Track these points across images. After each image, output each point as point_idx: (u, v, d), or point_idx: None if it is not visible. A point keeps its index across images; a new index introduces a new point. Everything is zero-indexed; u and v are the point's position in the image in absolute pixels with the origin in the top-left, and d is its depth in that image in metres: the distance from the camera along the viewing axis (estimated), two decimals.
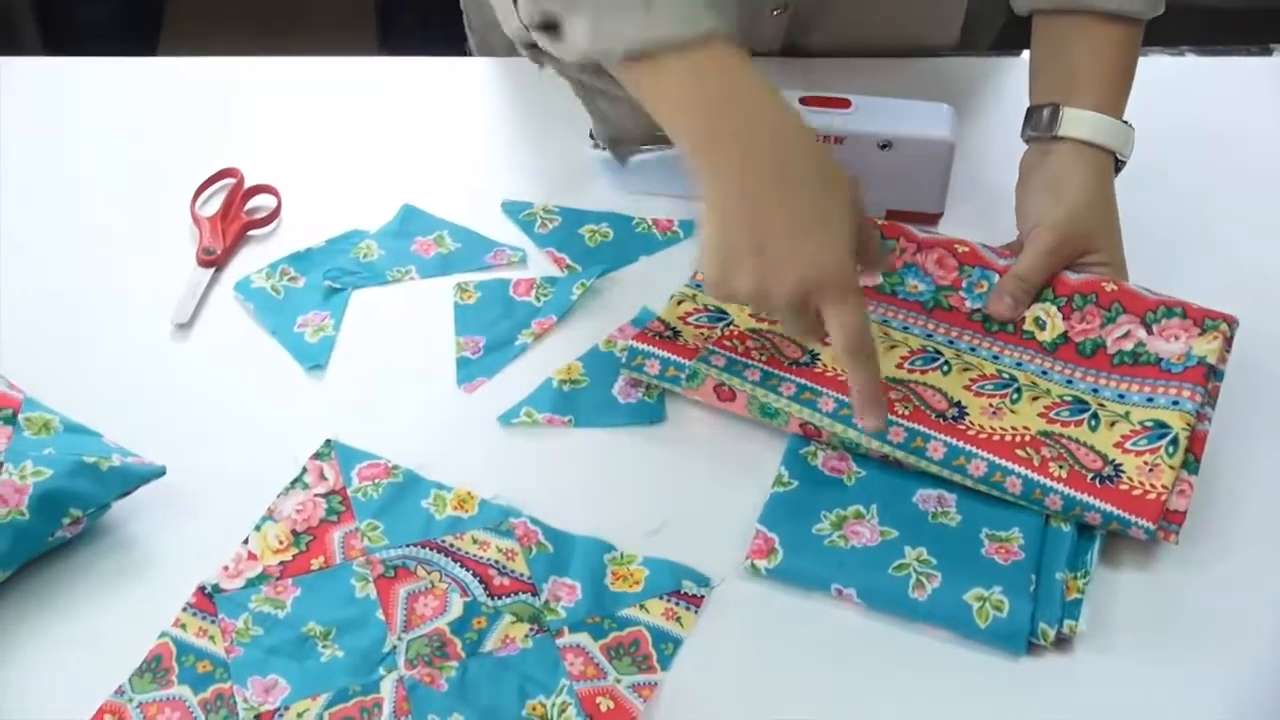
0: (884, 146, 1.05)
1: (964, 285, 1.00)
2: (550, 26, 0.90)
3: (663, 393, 0.98)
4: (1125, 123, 1.01)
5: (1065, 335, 0.97)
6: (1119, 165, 1.02)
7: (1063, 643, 0.83)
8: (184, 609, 0.85)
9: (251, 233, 1.11)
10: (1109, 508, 0.85)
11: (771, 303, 0.87)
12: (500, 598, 0.85)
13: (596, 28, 0.87)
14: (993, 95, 1.23)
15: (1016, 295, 0.98)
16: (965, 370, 0.95)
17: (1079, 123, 1.00)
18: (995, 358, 0.96)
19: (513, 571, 0.87)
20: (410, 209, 1.12)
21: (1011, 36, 1.23)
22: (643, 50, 0.86)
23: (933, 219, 1.09)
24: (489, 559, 0.87)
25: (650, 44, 0.86)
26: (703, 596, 0.86)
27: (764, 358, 0.95)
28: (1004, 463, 0.88)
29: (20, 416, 0.90)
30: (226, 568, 0.87)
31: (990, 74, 1.28)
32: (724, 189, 0.87)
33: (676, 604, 0.85)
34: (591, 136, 1.11)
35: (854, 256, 0.87)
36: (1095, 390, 0.93)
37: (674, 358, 0.96)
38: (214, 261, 1.07)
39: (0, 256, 1.09)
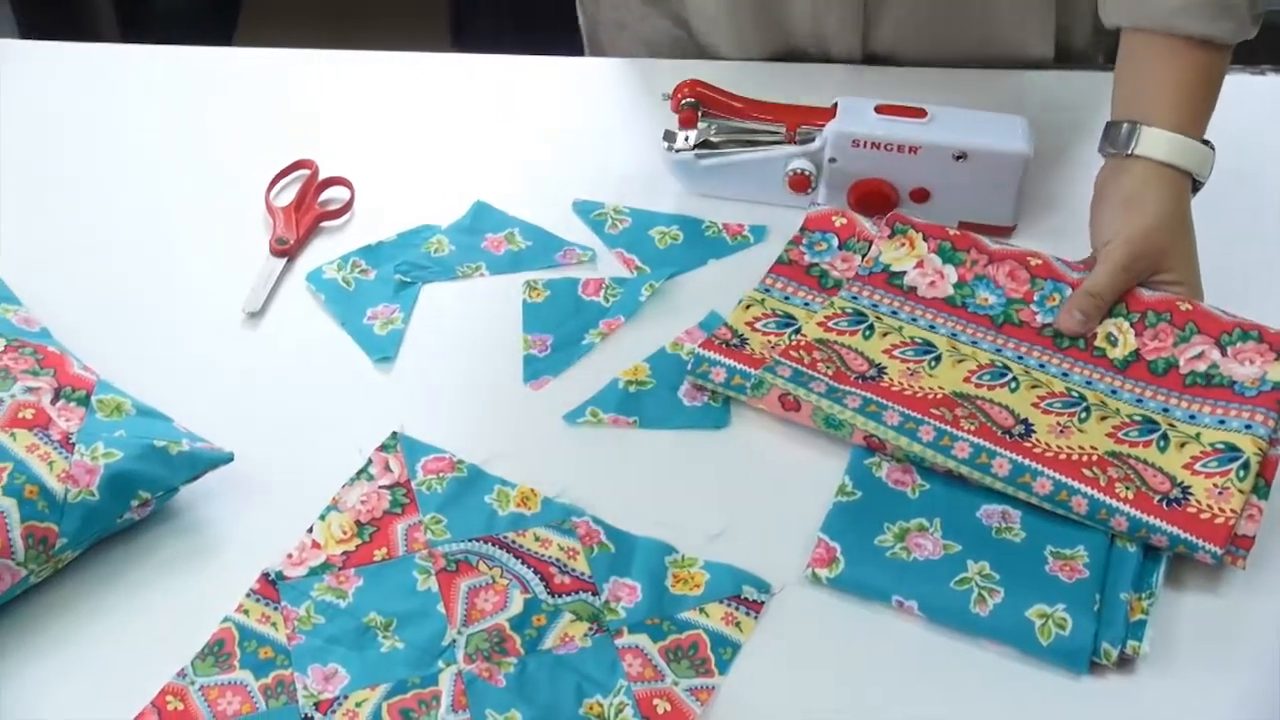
0: (959, 157, 1.05)
1: (1035, 298, 1.00)
2: None
3: (728, 398, 0.98)
4: (1206, 143, 1.00)
5: (1137, 353, 0.96)
6: (1196, 186, 1.01)
7: (1125, 663, 0.82)
8: (248, 595, 0.86)
9: (324, 224, 1.12)
10: (1176, 530, 0.85)
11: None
12: (561, 596, 0.86)
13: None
14: (1069, 109, 1.22)
15: (1087, 311, 0.97)
16: (1034, 387, 0.94)
17: (1156, 143, 0.99)
18: (1064, 375, 0.96)
19: (574, 570, 0.87)
20: (482, 205, 1.13)
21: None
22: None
23: (1005, 231, 1.09)
24: (550, 557, 0.88)
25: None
26: (763, 602, 0.86)
27: (830, 371, 0.95)
28: (1070, 482, 0.87)
29: (93, 398, 0.91)
30: (290, 556, 0.88)
31: (1068, 87, 1.27)
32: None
33: (736, 609, 0.85)
34: (665, 139, 1.11)
35: None
36: (1166, 410, 0.93)
37: (740, 367, 0.96)
38: (287, 251, 1.08)
39: (78, 241, 1.10)
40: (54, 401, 0.90)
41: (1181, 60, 1.01)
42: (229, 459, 0.91)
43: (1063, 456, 0.89)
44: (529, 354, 1.01)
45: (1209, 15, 0.99)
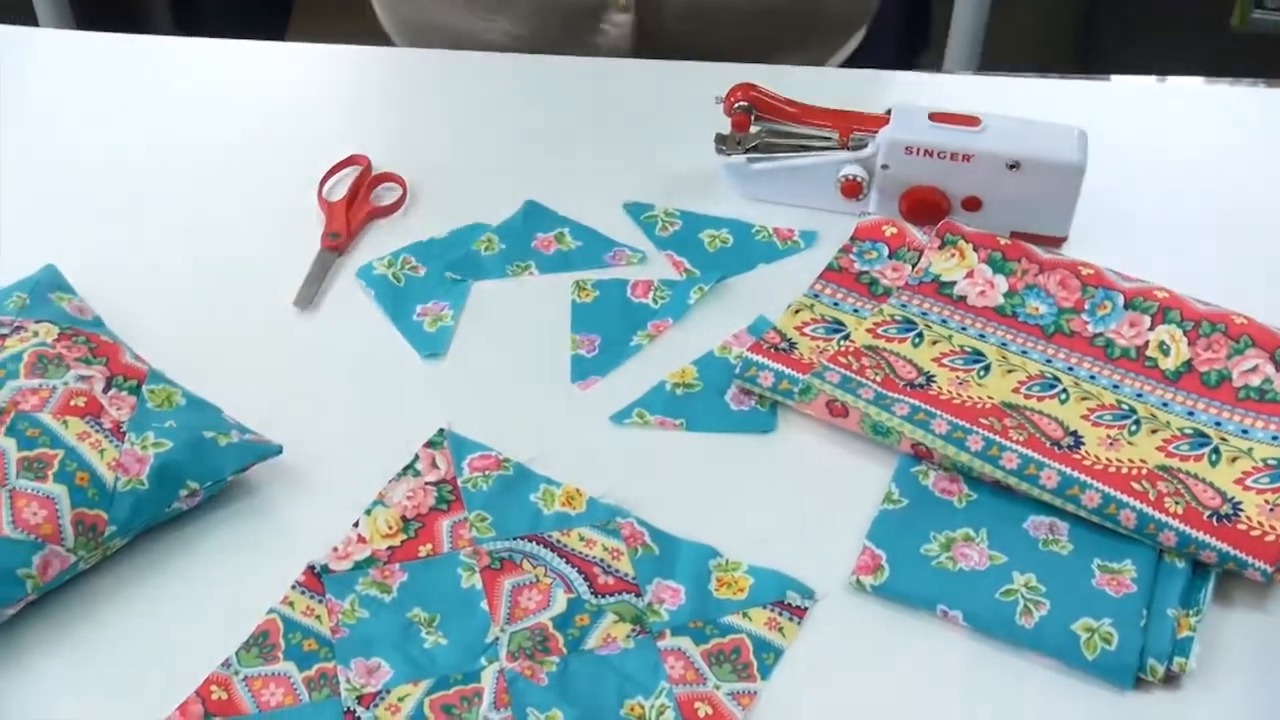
0: (1012, 167, 1.04)
1: (1087, 307, 0.99)
2: None
3: (775, 403, 0.97)
4: None
5: (1189, 363, 0.95)
6: None
7: (1171, 680, 0.81)
8: (293, 587, 0.86)
9: (376, 220, 1.12)
10: (1226, 547, 0.84)
11: None
12: (604, 596, 0.86)
13: None
14: (1123, 119, 1.21)
15: None
16: (1084, 399, 0.94)
17: None
18: (1115, 387, 0.95)
19: (617, 571, 0.87)
20: (533, 205, 1.13)
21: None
22: None
23: (1057, 242, 1.08)
24: (594, 557, 0.88)
25: None
26: (806, 608, 0.86)
27: (878, 377, 0.95)
28: (1119, 495, 0.87)
29: (144, 388, 0.92)
30: (336, 549, 0.88)
31: (1121, 98, 1.26)
32: None
33: (779, 614, 0.85)
34: (718, 142, 1.11)
35: None
36: (1218, 424, 0.92)
37: (788, 371, 0.96)
38: (338, 246, 1.09)
39: (130, 232, 1.11)
40: (106, 390, 0.90)
41: None
42: (277, 451, 0.91)
43: (1112, 469, 0.88)
44: (577, 354, 1.01)
45: None
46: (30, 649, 0.83)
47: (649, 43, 1.37)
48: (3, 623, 0.83)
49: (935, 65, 2.25)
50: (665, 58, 1.29)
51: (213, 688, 0.81)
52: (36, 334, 0.93)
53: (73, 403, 0.88)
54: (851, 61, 1.48)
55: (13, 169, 1.17)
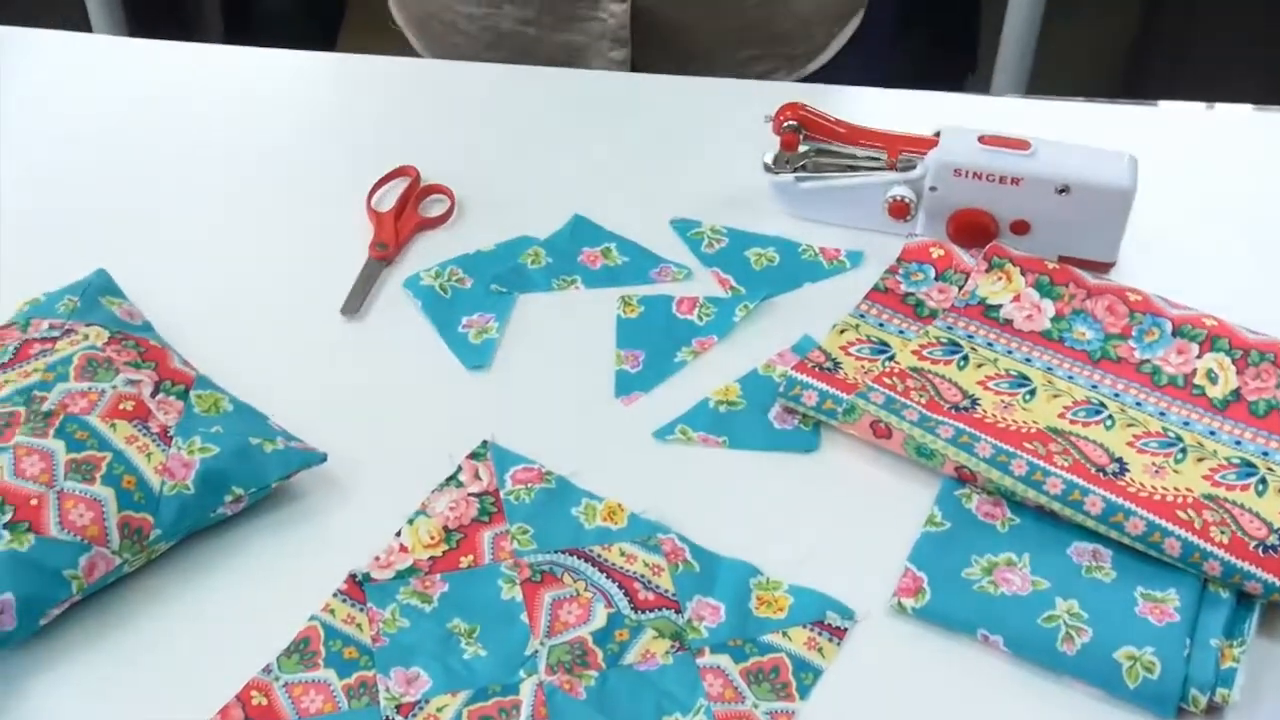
0: (1061, 191, 1.04)
1: (1134, 333, 0.99)
2: None
3: (818, 422, 0.97)
4: None
5: (1238, 392, 0.95)
6: None
7: (1214, 711, 0.81)
8: (334, 594, 0.86)
9: (424, 231, 1.13)
10: (1271, 578, 0.83)
11: None
12: (644, 612, 0.86)
13: None
14: (1171, 146, 1.20)
15: None
16: (1129, 425, 0.93)
17: None
18: (1162, 414, 0.95)
19: (658, 587, 0.87)
20: (580, 219, 1.13)
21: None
22: None
23: (1105, 267, 1.08)
24: (635, 572, 0.88)
25: None
26: (846, 629, 0.85)
27: (923, 399, 0.94)
28: (1164, 523, 0.86)
29: (192, 393, 0.92)
30: (378, 558, 0.88)
31: (1169, 124, 1.26)
32: None
33: (819, 634, 0.85)
34: (766, 161, 1.11)
35: None
36: (1265, 453, 0.91)
37: (832, 390, 0.96)
38: (386, 256, 1.09)
39: (180, 238, 1.12)
40: (154, 395, 0.91)
41: None
42: (322, 459, 0.92)
43: (1157, 497, 0.88)
44: (621, 369, 1.01)
45: None
46: (73, 650, 0.84)
47: (645, 33, 1.37)
48: (47, 623, 0.83)
49: (982, 88, 2.25)
50: (662, 47, 1.29)
51: (253, 693, 0.82)
52: (87, 337, 0.94)
53: (121, 406, 0.89)
54: (849, 47, 1.48)
55: (66, 173, 1.18)
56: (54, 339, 0.94)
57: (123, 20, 2.32)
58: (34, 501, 0.83)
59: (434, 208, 1.15)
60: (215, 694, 0.82)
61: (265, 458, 0.90)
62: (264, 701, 0.81)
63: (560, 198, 1.15)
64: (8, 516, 0.82)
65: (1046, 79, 2.38)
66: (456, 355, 1.02)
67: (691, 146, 1.22)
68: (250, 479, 0.89)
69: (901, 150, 1.09)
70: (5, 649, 0.82)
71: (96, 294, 1.00)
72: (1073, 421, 0.94)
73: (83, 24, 2.26)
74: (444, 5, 1.40)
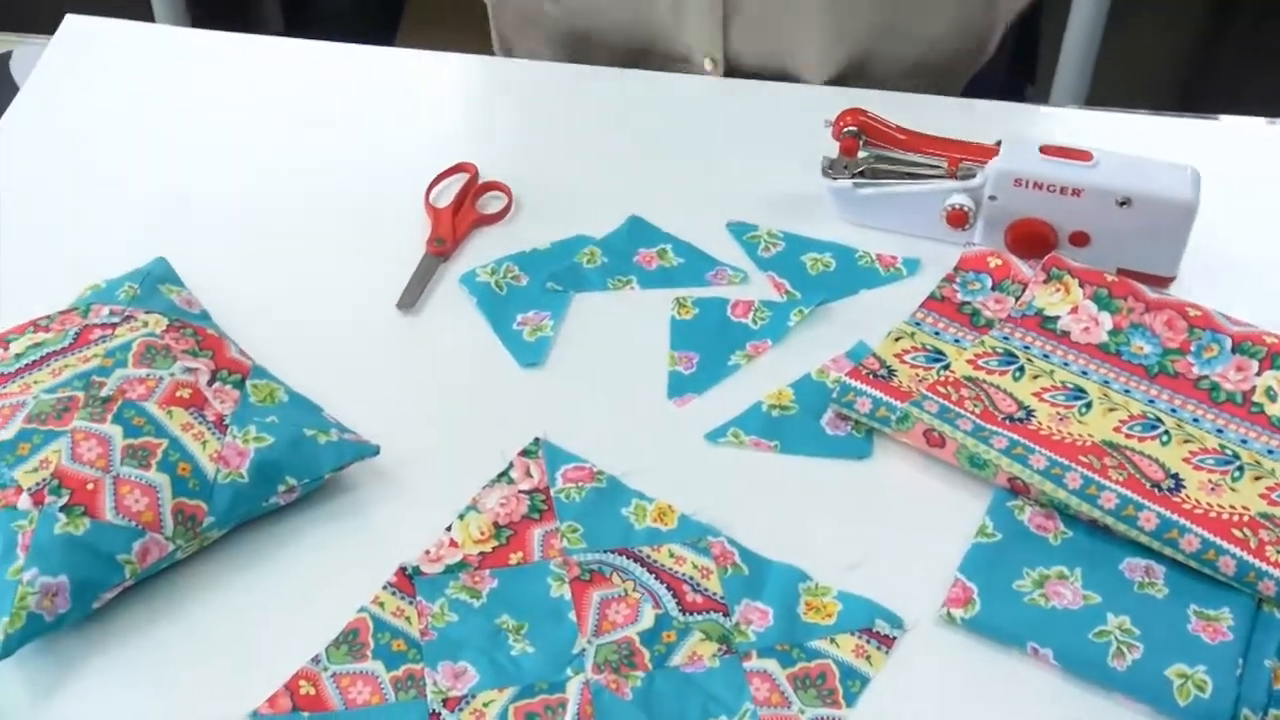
0: (1123, 203, 1.03)
1: (1193, 349, 0.98)
2: None
3: (871, 430, 0.97)
4: None
5: None
6: None
7: None
8: (384, 587, 0.87)
9: (481, 228, 1.13)
10: None
11: None
12: (692, 614, 0.86)
13: None
14: (1232, 161, 1.19)
15: None
16: (1186, 442, 0.93)
17: None
18: (1219, 431, 0.94)
19: (706, 590, 0.87)
20: (637, 220, 1.13)
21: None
22: None
23: (1164, 282, 1.07)
24: (684, 574, 0.88)
25: None
26: (894, 638, 0.85)
27: (977, 409, 0.94)
28: (1219, 541, 0.85)
29: (248, 383, 0.93)
30: (428, 552, 0.89)
31: (1230, 139, 1.25)
32: None
33: (867, 642, 0.85)
34: (824, 166, 1.11)
35: None
36: None
37: (886, 398, 0.96)
38: (443, 252, 1.10)
39: (238, 229, 1.13)
40: (210, 383, 0.92)
41: None
42: (375, 452, 0.92)
43: (1213, 515, 0.87)
44: (674, 370, 1.01)
45: None
46: (125, 634, 0.85)
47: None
48: (100, 607, 0.84)
49: (1041, 98, 2.24)
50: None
51: (301, 682, 0.82)
52: (146, 324, 0.95)
53: (178, 394, 0.90)
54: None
55: (125, 162, 1.19)
56: (114, 325, 0.95)
57: (184, 11, 2.34)
58: (90, 485, 0.84)
59: (491, 204, 1.15)
60: (264, 682, 0.82)
61: (319, 449, 0.90)
62: (312, 691, 0.82)
63: (617, 198, 1.15)
64: (64, 499, 0.83)
65: (1105, 90, 2.36)
66: (511, 352, 1.03)
67: (749, 149, 1.22)
68: (304, 469, 0.89)
69: (961, 159, 1.08)
70: (59, 631, 0.82)
71: (156, 282, 1.01)
72: (1128, 436, 0.93)
73: (145, 14, 2.28)
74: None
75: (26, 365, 0.92)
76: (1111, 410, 0.95)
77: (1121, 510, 0.87)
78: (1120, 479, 0.89)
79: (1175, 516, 0.87)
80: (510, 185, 1.15)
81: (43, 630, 0.81)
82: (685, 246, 1.11)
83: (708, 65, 1.23)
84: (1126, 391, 0.97)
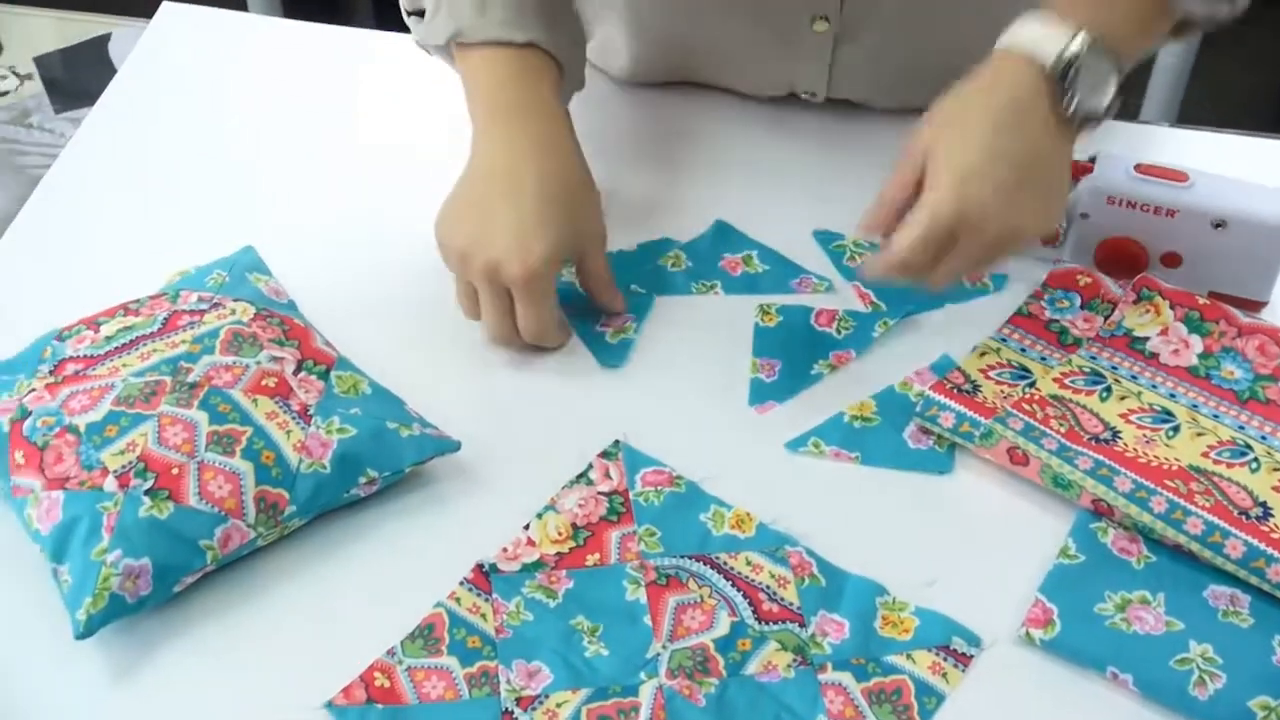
0: (1218, 225, 1.02)
1: None
2: (419, 14, 1.07)
3: (953, 444, 0.96)
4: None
5: None
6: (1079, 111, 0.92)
7: None
8: (461, 583, 0.87)
9: None
10: None
11: (470, 266, 0.97)
12: (767, 623, 0.85)
13: (438, 19, 1.04)
14: None
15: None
16: (1275, 470, 0.91)
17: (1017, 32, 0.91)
18: None
19: (782, 599, 0.87)
20: (723, 225, 1.13)
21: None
22: (469, 40, 1.03)
23: (1257, 306, 1.05)
24: (760, 583, 0.87)
25: (474, 37, 1.03)
26: (972, 656, 0.84)
27: (1063, 429, 0.93)
28: None
29: (333, 374, 0.94)
30: (505, 550, 0.89)
31: None
32: (478, 152, 1.02)
33: (944, 659, 0.84)
34: None
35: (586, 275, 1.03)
36: None
37: (970, 414, 0.95)
38: None
39: (323, 220, 1.13)
40: (296, 373, 0.92)
41: None
42: (456, 447, 0.92)
43: None
44: (756, 377, 1.01)
45: None
46: (204, 619, 0.86)
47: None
48: (180, 591, 0.85)
49: (1129, 115, 2.21)
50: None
51: (376, 674, 0.82)
52: (234, 312, 0.96)
53: (264, 382, 0.90)
54: None
55: (216, 148, 1.20)
56: (202, 311, 0.96)
57: (277, 2, 2.36)
58: (175, 470, 0.85)
59: None
60: (339, 672, 0.83)
61: (400, 442, 0.91)
62: (386, 684, 0.82)
63: (703, 203, 1.15)
64: (149, 483, 0.84)
65: (1195, 108, 2.33)
66: (593, 353, 1.03)
67: (837, 159, 1.21)
68: (385, 462, 0.90)
69: None
70: (139, 613, 0.83)
71: (244, 270, 1.02)
72: (1216, 461, 0.92)
73: (239, 3, 2.30)
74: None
75: (116, 348, 0.93)
76: (1200, 435, 0.93)
77: (1207, 537, 0.86)
78: (1207, 505, 0.88)
79: (1263, 546, 0.85)
80: (598, 186, 1.15)
81: (124, 612, 0.82)
82: (771, 253, 1.11)
83: (804, 97, 1.23)
84: (1215, 416, 0.95)
